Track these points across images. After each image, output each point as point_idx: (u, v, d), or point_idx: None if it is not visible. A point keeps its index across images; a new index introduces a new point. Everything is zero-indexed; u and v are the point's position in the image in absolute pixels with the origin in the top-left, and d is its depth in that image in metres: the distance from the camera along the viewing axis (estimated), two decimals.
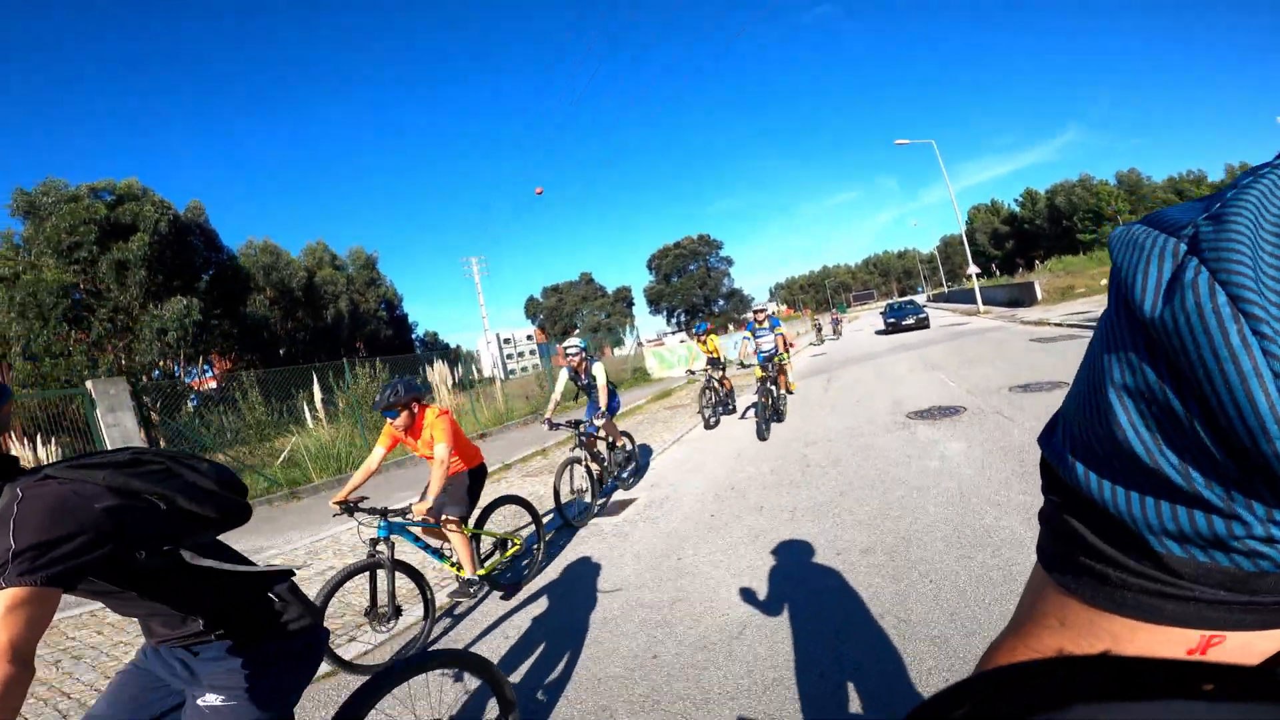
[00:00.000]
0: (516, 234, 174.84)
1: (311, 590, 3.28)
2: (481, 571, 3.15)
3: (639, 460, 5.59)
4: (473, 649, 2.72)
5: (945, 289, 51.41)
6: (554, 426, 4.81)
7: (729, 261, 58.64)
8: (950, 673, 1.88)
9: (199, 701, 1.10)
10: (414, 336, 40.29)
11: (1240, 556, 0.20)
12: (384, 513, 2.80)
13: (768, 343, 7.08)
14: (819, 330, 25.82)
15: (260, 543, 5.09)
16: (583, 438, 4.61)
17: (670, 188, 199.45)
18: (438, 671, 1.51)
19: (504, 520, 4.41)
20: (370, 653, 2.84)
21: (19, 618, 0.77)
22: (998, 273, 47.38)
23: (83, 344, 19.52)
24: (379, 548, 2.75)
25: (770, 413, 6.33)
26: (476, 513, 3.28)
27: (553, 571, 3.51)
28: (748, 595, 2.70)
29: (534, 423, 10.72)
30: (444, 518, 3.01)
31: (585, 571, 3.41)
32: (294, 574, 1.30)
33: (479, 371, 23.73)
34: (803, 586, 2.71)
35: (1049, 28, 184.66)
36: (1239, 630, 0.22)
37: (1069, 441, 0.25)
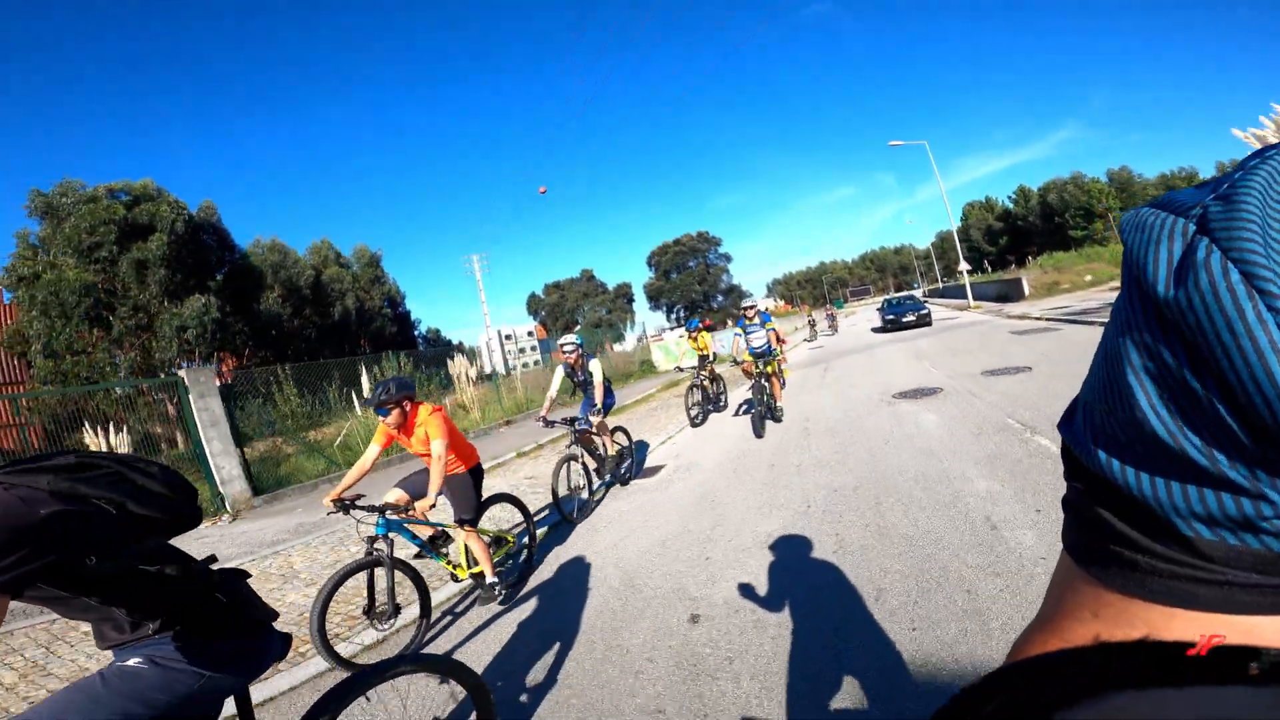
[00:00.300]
0: (517, 232, 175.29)
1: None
2: (475, 570, 3.20)
3: (635, 456, 5.67)
4: (469, 645, 2.79)
5: (940, 285, 52.70)
6: (549, 424, 4.78)
7: (727, 258, 59.90)
8: (909, 548, 2.88)
9: (119, 664, 1.11)
10: (416, 333, 41.02)
11: (1270, 538, 0.20)
12: (382, 510, 2.79)
13: (758, 339, 6.96)
14: (812, 326, 25.48)
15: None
16: (578, 434, 4.68)
17: (669, 185, 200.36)
18: (420, 676, 1.48)
19: (496, 519, 4.43)
20: (364, 652, 2.89)
21: None
22: (989, 268, 48.67)
23: (104, 342, 20.28)
24: (378, 545, 2.76)
25: (766, 410, 6.40)
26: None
27: (546, 570, 3.60)
28: (768, 519, 3.70)
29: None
30: (459, 526, 3.11)
31: (581, 568, 3.50)
32: (249, 575, 1.31)
33: (481, 367, 24.64)
34: (810, 512, 3.70)
35: (1047, 26, 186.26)
36: (1274, 615, 0.21)
37: (1089, 427, 0.25)
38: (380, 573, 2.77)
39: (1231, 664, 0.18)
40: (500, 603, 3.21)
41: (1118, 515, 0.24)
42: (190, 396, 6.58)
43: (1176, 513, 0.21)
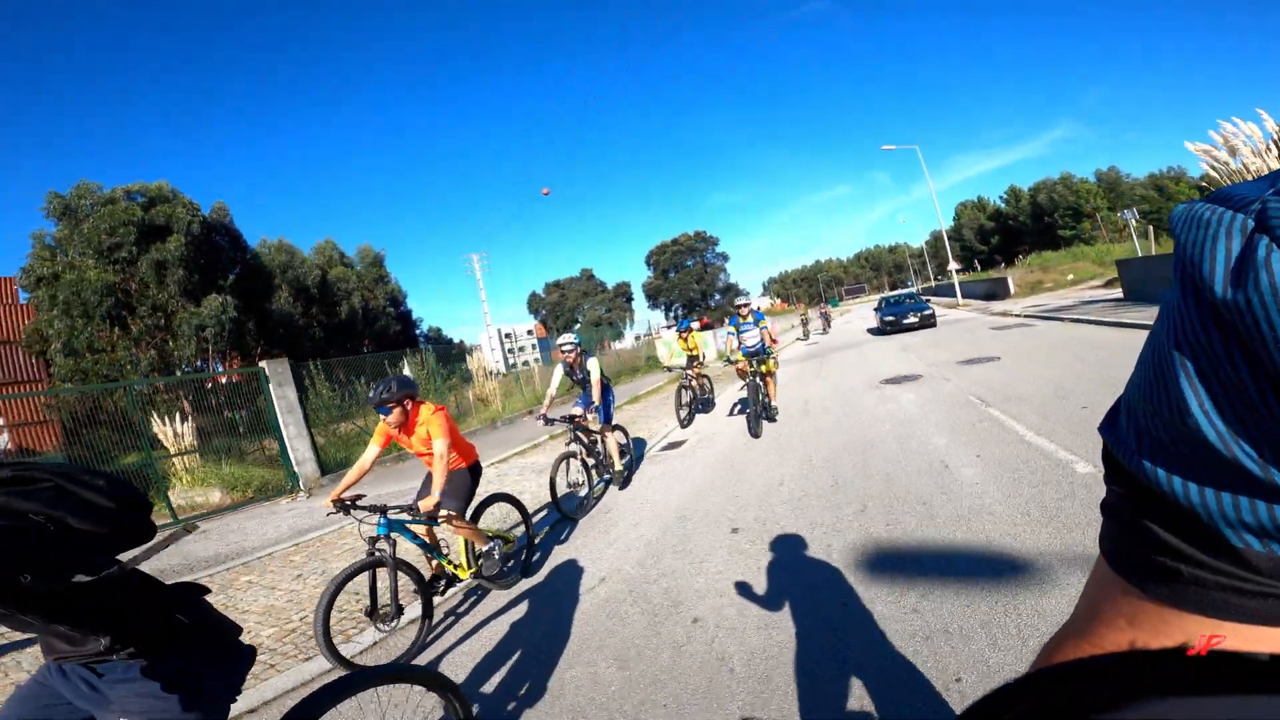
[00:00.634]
0: (517, 231, 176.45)
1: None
2: (473, 568, 3.22)
3: (633, 453, 5.78)
4: (469, 645, 2.82)
5: (933, 283, 54.24)
6: (549, 422, 4.90)
7: (725, 257, 61.35)
8: (886, 480, 3.99)
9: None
10: (418, 332, 41.89)
11: None
12: (383, 510, 2.79)
13: (751, 337, 6.91)
14: (805, 325, 25.52)
15: (392, 487, 7.08)
16: (577, 432, 4.81)
17: (667, 184, 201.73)
18: (401, 687, 1.54)
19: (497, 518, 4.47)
20: (365, 653, 2.90)
21: None
22: (979, 267, 50.26)
23: (124, 340, 21.14)
24: (380, 546, 2.76)
25: (760, 409, 6.41)
26: (470, 510, 3.37)
27: (548, 567, 3.69)
28: (780, 471, 4.81)
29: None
30: (446, 514, 3.05)
31: (579, 566, 3.58)
32: (208, 590, 1.26)
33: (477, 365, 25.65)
34: (812, 463, 4.82)
35: (1045, 24, 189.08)
36: None
37: (1134, 430, 0.25)
38: (383, 573, 2.76)
39: (1263, 673, 0.18)
40: (501, 588, 3.36)
41: (1161, 523, 0.23)
42: (270, 385, 7.60)
43: (1226, 522, 0.21)
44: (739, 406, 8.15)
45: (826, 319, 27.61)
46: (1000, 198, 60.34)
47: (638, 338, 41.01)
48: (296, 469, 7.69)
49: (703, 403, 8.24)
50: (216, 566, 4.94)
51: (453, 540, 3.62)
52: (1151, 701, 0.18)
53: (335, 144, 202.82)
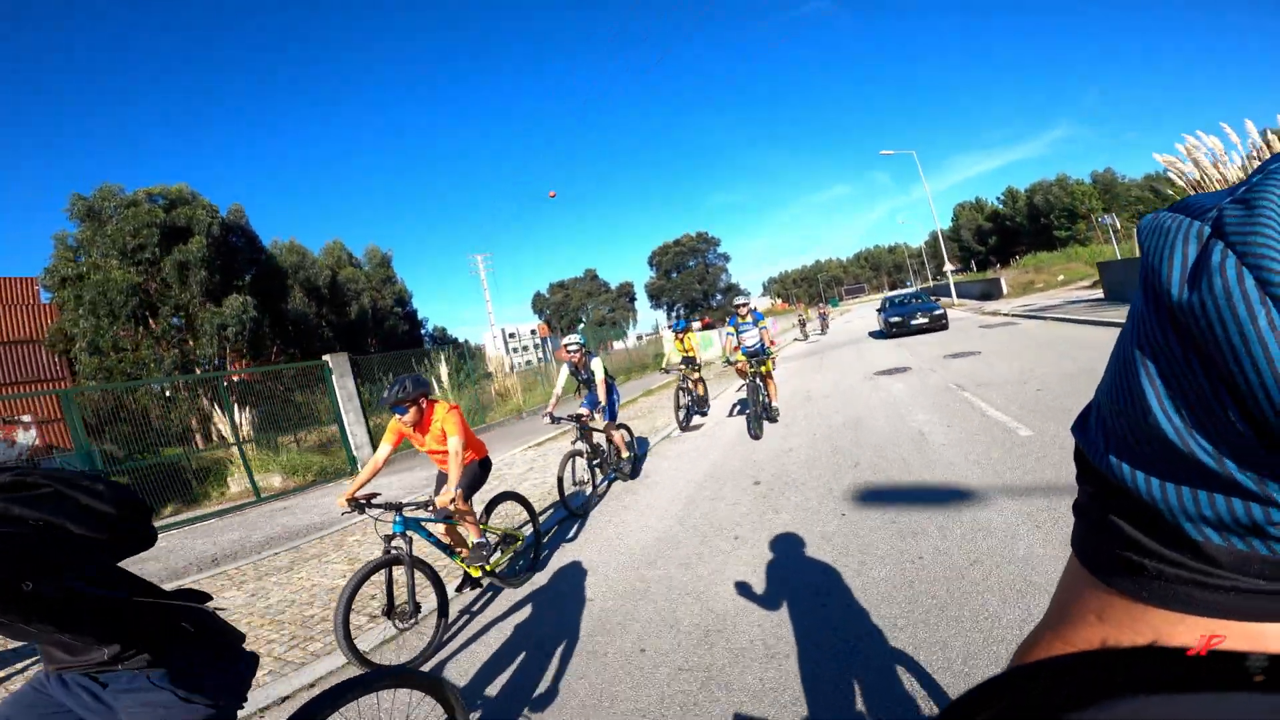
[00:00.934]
0: (518, 232, 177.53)
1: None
2: (488, 567, 3.28)
3: (636, 452, 5.96)
4: (479, 640, 2.90)
5: (931, 284, 55.53)
6: (555, 420, 5.06)
7: (726, 258, 62.83)
8: (875, 447, 5.05)
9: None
10: (423, 332, 42.83)
11: (1279, 544, 0.20)
12: (398, 507, 2.81)
13: (751, 338, 6.98)
14: (803, 326, 25.67)
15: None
16: (583, 431, 4.96)
17: (668, 184, 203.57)
18: (402, 692, 1.53)
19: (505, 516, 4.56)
20: (381, 648, 2.96)
21: None
22: (975, 268, 51.58)
23: (148, 339, 22.12)
24: (396, 543, 2.78)
25: (761, 410, 6.49)
26: (479, 509, 3.44)
27: (554, 565, 3.79)
28: (790, 443, 5.87)
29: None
30: (454, 497, 3.05)
31: (585, 564, 3.66)
32: (209, 599, 1.28)
33: (479, 364, 26.64)
34: (815, 437, 5.88)
35: (1044, 24, 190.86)
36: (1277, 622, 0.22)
37: (1102, 430, 0.26)
38: (399, 571, 2.79)
39: (1236, 670, 0.19)
40: (512, 586, 3.43)
41: (1127, 519, 0.24)
42: (333, 377, 8.63)
43: (1186, 516, 0.22)
44: (738, 407, 8.36)
45: (825, 319, 27.99)
46: (998, 199, 61.67)
47: (639, 338, 42.03)
48: (355, 453, 8.70)
49: (698, 404, 8.23)
50: (311, 535, 5.98)
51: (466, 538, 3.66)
52: (1124, 699, 0.19)
53: (337, 145, 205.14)
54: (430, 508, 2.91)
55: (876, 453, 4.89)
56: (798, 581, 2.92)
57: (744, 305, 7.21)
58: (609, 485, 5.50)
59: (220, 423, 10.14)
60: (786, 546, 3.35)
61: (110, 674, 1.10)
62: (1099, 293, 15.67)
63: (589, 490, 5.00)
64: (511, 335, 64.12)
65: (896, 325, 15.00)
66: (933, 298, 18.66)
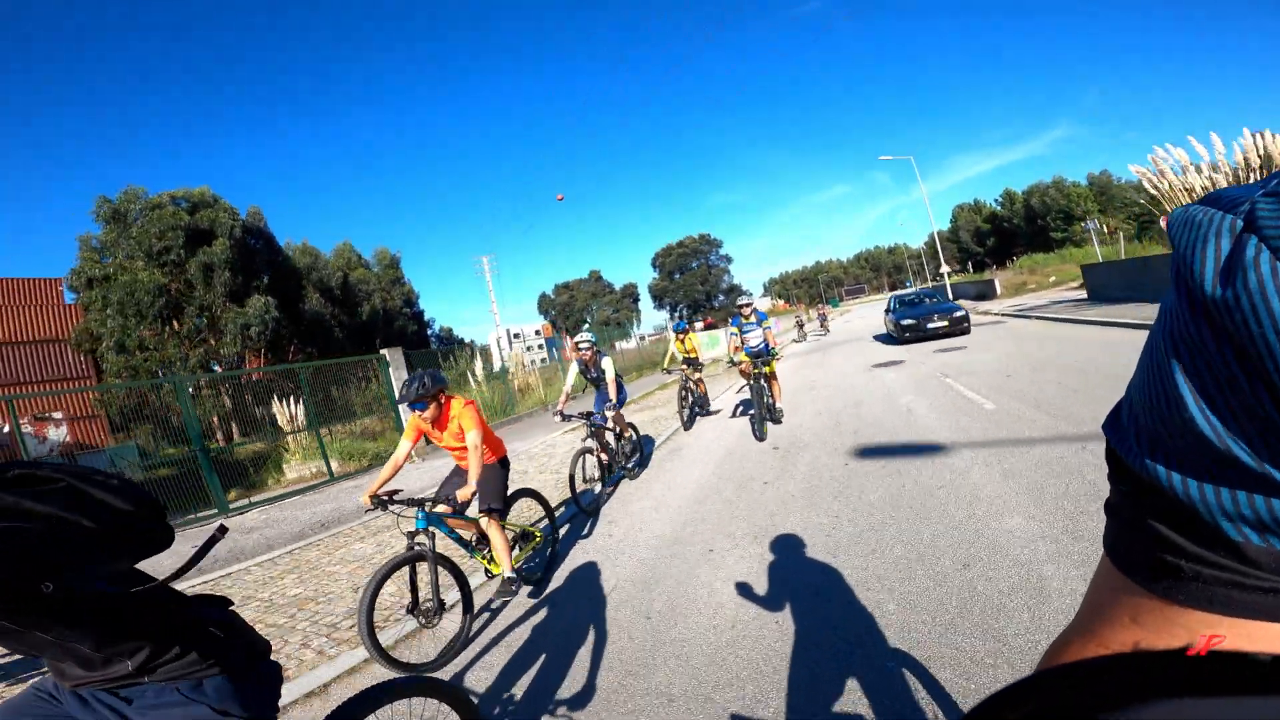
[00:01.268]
0: (521, 232, 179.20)
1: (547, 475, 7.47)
2: (514, 562, 3.27)
3: (643, 450, 6.15)
4: (506, 641, 2.93)
5: (930, 284, 56.99)
6: (566, 418, 5.19)
7: (728, 259, 64.56)
8: (870, 421, 6.25)
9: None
10: (430, 332, 43.91)
11: None
12: (421, 503, 2.84)
13: (755, 338, 7.07)
14: (800, 326, 25.94)
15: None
16: (593, 429, 5.07)
17: (669, 185, 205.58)
18: (418, 700, 1.53)
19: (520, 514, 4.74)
20: (403, 643, 3.02)
21: None
22: (971, 269, 53.09)
23: (174, 339, 23.21)
24: (419, 540, 2.81)
25: (765, 411, 6.56)
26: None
27: (572, 562, 3.88)
28: (800, 419, 7.07)
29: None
30: (485, 515, 3.16)
31: (599, 561, 3.75)
32: (231, 603, 1.23)
33: (492, 364, 27.79)
34: (821, 415, 7.08)
35: (1044, 24, 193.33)
36: None
37: (1135, 428, 0.25)
38: (423, 568, 2.83)
39: (1271, 674, 0.19)
40: (529, 595, 3.40)
41: (1162, 520, 0.24)
42: (389, 369, 9.78)
43: (1225, 516, 0.21)
44: (741, 408, 8.67)
45: (824, 320, 28.33)
46: (995, 201, 63.19)
47: (642, 338, 43.20)
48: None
49: (701, 404, 8.43)
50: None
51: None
52: (1157, 702, 0.19)
53: (343, 146, 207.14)
54: (452, 503, 2.92)
55: (872, 424, 6.09)
56: (815, 509, 4.11)
57: (747, 306, 7.30)
58: (617, 484, 5.66)
59: (280, 412, 11.27)
60: (805, 487, 4.55)
61: (135, 689, 1.05)
62: (1084, 293, 16.93)
63: (598, 489, 5.18)
64: (516, 335, 65.51)
65: (909, 329, 13.02)
66: (954, 300, 16.73)
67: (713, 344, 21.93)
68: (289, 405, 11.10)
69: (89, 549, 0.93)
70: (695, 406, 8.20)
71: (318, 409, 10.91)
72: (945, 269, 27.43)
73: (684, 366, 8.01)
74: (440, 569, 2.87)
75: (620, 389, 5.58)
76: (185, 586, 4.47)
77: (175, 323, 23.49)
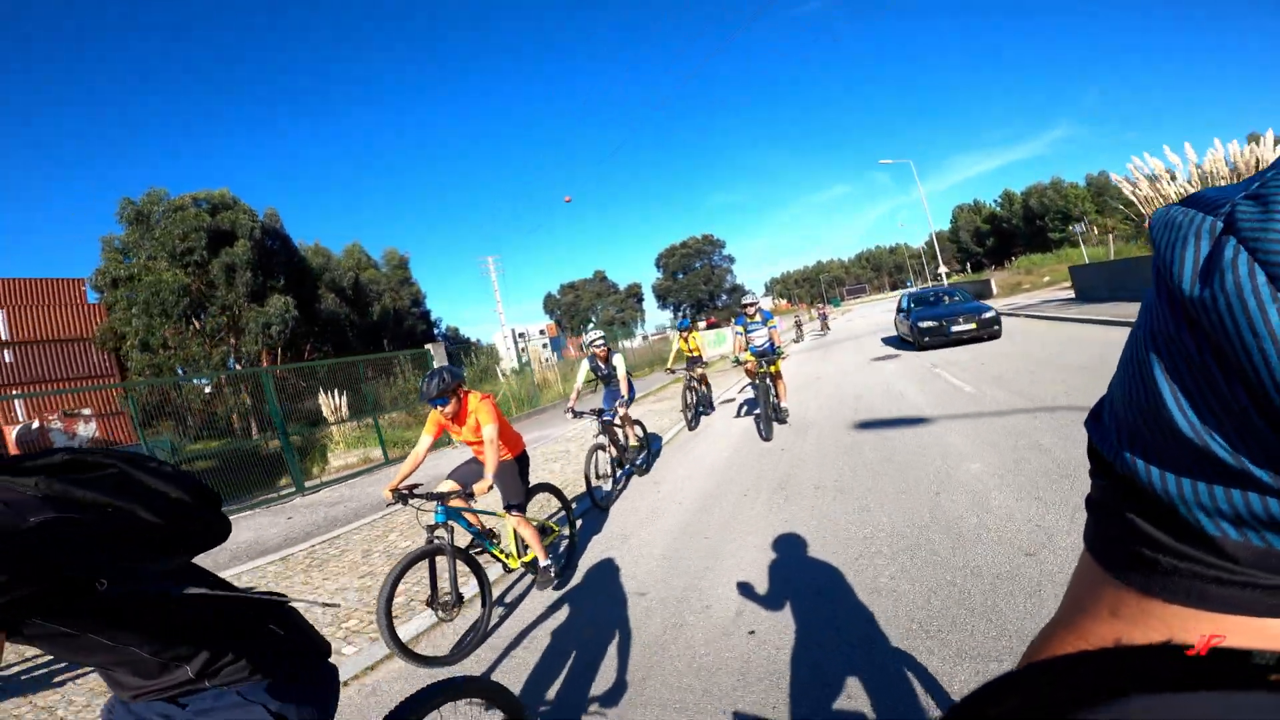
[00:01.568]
0: (526, 232, 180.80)
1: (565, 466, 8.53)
2: (526, 559, 3.37)
3: (650, 447, 6.34)
4: (531, 636, 3.00)
5: (929, 284, 58.29)
6: (577, 415, 5.33)
7: (731, 259, 65.80)
8: (869, 405, 7.35)
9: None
10: (437, 332, 44.99)
11: None
12: (440, 498, 2.93)
13: (760, 337, 7.15)
14: (799, 326, 26.08)
15: (533, 433, 10.31)
16: (605, 425, 5.18)
17: (673, 186, 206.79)
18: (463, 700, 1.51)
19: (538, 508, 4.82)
20: (425, 636, 3.14)
21: None
22: (969, 269, 54.39)
23: (198, 338, 24.24)
24: (438, 533, 2.90)
25: (771, 411, 6.60)
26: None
27: (590, 557, 3.98)
28: (808, 402, 8.16)
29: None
30: (508, 512, 3.27)
31: (615, 558, 3.84)
32: (288, 600, 1.17)
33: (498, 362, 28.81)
34: (826, 399, 8.16)
35: (1045, 24, 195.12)
36: None
37: (1115, 424, 0.26)
38: (442, 561, 2.88)
39: (1250, 669, 0.19)
40: (555, 587, 3.46)
41: (1141, 514, 0.24)
42: (434, 363, 10.83)
43: (1202, 511, 0.22)
44: (745, 407, 8.95)
45: (825, 319, 28.67)
46: (995, 201, 64.47)
47: (645, 337, 44.34)
48: None
49: (704, 403, 8.52)
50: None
51: (502, 529, 3.82)
52: (1138, 697, 0.19)
53: (350, 147, 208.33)
54: (470, 497, 3.00)
55: (869, 405, 7.18)
56: (825, 467, 5.18)
57: (753, 305, 7.36)
58: (627, 480, 5.85)
59: (325, 404, 12.30)
60: (814, 451, 5.63)
61: (192, 695, 0.99)
62: (1073, 293, 18.05)
63: (609, 485, 5.32)
64: (521, 335, 66.61)
65: (929, 333, 11.15)
66: (985, 302, 15.02)
67: (719, 341, 22.94)
68: (334, 397, 12.17)
69: (145, 542, 0.89)
70: (700, 406, 8.41)
71: (361, 401, 11.97)
72: (943, 269, 28.55)
73: (687, 367, 8.28)
74: (459, 562, 2.95)
75: (630, 388, 5.93)
76: (258, 568, 4.94)
77: (196, 321, 24.51)
